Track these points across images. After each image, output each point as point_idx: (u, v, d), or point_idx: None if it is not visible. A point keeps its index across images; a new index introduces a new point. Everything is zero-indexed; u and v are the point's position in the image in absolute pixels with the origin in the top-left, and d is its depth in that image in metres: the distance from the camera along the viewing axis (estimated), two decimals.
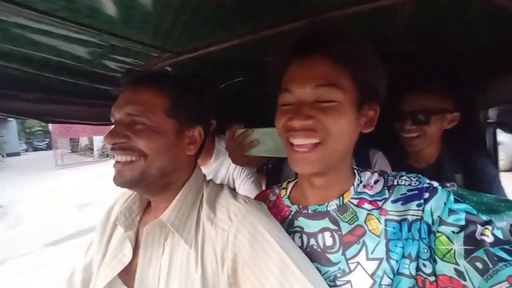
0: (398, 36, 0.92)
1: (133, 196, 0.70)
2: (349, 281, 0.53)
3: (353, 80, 0.53)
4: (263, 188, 1.21)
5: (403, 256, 0.51)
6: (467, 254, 0.44)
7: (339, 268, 0.54)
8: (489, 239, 0.44)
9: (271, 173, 1.27)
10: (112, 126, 0.60)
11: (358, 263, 0.53)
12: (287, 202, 0.67)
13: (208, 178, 0.71)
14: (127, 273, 0.61)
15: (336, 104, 0.53)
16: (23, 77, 0.75)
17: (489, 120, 1.10)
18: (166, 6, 0.59)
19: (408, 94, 1.03)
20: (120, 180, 0.58)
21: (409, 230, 0.51)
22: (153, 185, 0.60)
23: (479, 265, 0.42)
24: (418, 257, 0.51)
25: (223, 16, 0.67)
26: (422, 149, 1.06)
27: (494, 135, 1.12)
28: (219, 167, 1.23)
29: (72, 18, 0.59)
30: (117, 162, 0.58)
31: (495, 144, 1.13)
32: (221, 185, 0.69)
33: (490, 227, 0.45)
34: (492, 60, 0.86)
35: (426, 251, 0.50)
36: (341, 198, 0.59)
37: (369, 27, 0.83)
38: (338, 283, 0.53)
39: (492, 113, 1.06)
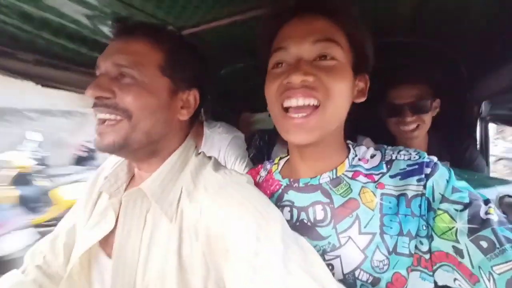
0: (397, 26, 0.94)
1: (121, 163, 0.65)
2: (338, 256, 0.51)
3: (349, 42, 0.53)
4: None
5: (402, 234, 0.48)
6: (471, 232, 0.42)
7: (329, 243, 0.52)
8: (494, 218, 0.43)
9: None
10: None
11: (350, 237, 0.51)
12: (277, 176, 0.65)
13: None
14: (108, 242, 0.57)
15: (337, 63, 0.51)
16: (21, 36, 0.74)
17: (481, 115, 1.12)
18: None
19: (398, 86, 1.04)
20: (102, 144, 0.51)
21: (408, 205, 0.49)
22: (139, 151, 0.55)
23: (484, 244, 0.41)
24: (417, 234, 0.48)
25: None
26: (416, 139, 1.07)
27: (486, 130, 1.15)
28: (209, 151, 1.23)
29: None
30: (99, 121, 0.52)
31: (487, 138, 1.16)
32: (209, 158, 0.65)
33: (493, 205, 0.44)
34: (488, 51, 0.88)
35: (424, 228, 0.48)
36: (334, 170, 0.57)
37: (374, 14, 0.84)
38: (326, 257, 0.51)
39: (485, 107, 1.09)
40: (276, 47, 0.55)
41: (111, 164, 0.70)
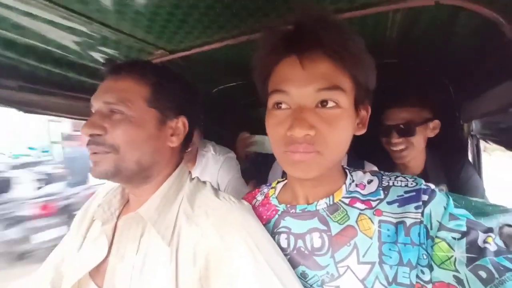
0: (386, 48, 0.96)
1: (114, 190, 0.66)
2: (337, 287, 0.49)
3: (353, 81, 0.50)
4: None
5: (402, 264, 0.47)
6: (469, 262, 0.42)
7: (327, 272, 0.50)
8: (492, 247, 0.42)
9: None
10: None
11: (348, 267, 0.49)
12: (274, 201, 0.64)
13: None
14: (99, 271, 0.57)
15: (340, 112, 0.49)
16: (5, 62, 0.72)
17: (472, 133, 1.14)
18: None
19: (390, 108, 1.08)
20: (96, 172, 0.55)
21: (407, 234, 0.48)
22: (132, 178, 0.58)
23: (483, 274, 0.40)
24: (417, 264, 0.47)
25: (219, 14, 0.66)
26: (410, 160, 1.09)
27: (478, 147, 1.16)
28: (203, 171, 1.23)
29: (62, 2, 0.56)
30: (93, 153, 0.56)
31: (479, 154, 1.17)
32: (205, 183, 0.66)
33: (493, 235, 0.44)
34: (475, 74, 0.90)
35: (425, 257, 0.47)
36: (331, 197, 0.56)
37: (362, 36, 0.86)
38: None
39: (475, 126, 1.10)
40: (275, 88, 0.51)
41: (104, 192, 0.70)
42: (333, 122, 0.48)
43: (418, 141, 1.04)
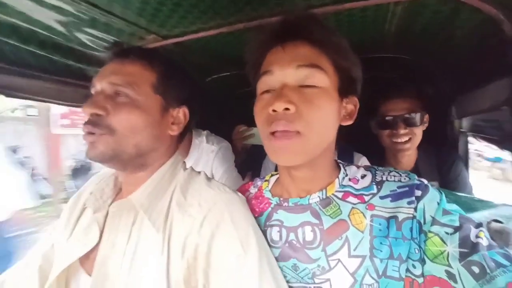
0: (385, 42, 0.96)
1: (106, 178, 0.66)
2: (328, 279, 0.50)
3: (334, 66, 0.53)
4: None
5: (392, 257, 0.48)
6: (462, 257, 0.43)
7: (319, 266, 0.51)
8: (484, 242, 0.43)
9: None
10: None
11: (339, 260, 0.50)
12: (267, 194, 0.64)
13: None
14: (89, 259, 0.56)
15: (320, 90, 0.51)
16: None
17: (462, 129, 1.16)
18: None
19: (390, 99, 1.06)
20: (93, 153, 0.54)
21: (398, 228, 0.49)
22: (128, 163, 0.58)
23: (475, 269, 0.41)
24: (408, 258, 0.48)
25: (215, 0, 0.64)
26: (408, 151, 1.09)
27: (466, 144, 1.19)
28: (197, 161, 1.21)
29: None
30: (88, 133, 0.54)
31: (467, 152, 1.20)
32: (199, 173, 0.66)
33: (484, 230, 0.45)
34: (471, 70, 0.91)
35: (417, 251, 0.48)
36: (324, 190, 0.57)
37: (361, 31, 0.85)
38: (316, 281, 0.51)
39: (465, 123, 1.12)
40: (262, 71, 0.56)
41: (96, 180, 0.69)
42: (314, 100, 0.51)
43: (420, 132, 1.05)
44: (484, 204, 0.68)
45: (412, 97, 1.05)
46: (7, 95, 0.73)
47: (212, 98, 1.53)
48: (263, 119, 0.54)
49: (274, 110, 0.51)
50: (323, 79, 0.52)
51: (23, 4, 0.60)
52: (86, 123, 0.55)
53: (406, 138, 1.04)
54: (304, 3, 0.66)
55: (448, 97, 1.14)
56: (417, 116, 1.03)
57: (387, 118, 1.05)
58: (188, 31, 0.81)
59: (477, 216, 0.64)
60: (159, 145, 0.61)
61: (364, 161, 1.09)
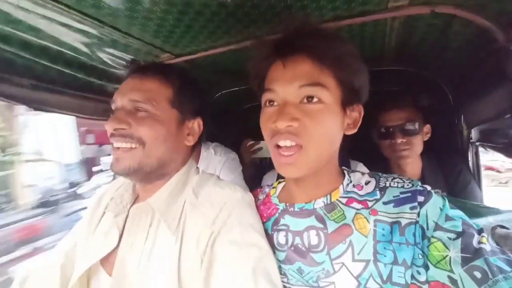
0: (386, 55, 0.99)
1: (126, 184, 0.71)
2: (332, 283, 0.51)
3: (337, 80, 0.53)
4: None
5: (397, 263, 0.48)
6: (465, 262, 0.43)
7: (323, 269, 0.52)
8: (487, 247, 0.43)
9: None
10: (104, 122, 0.61)
11: (343, 264, 0.51)
12: (275, 200, 0.66)
13: None
14: (109, 260, 0.60)
15: (323, 107, 0.52)
16: (19, 62, 0.75)
17: (471, 140, 1.14)
18: (170, 4, 0.61)
19: (389, 110, 1.09)
20: (118, 167, 0.58)
21: (402, 234, 0.49)
22: (151, 174, 0.61)
23: (477, 274, 0.41)
24: (412, 263, 0.48)
25: (224, 20, 0.69)
26: (407, 165, 1.10)
27: (477, 155, 1.16)
28: (205, 171, 1.23)
29: (76, 6, 0.60)
30: (116, 148, 0.58)
31: (478, 163, 1.17)
32: (211, 175, 0.70)
33: (486, 235, 0.45)
34: (471, 79, 0.92)
35: (420, 257, 0.48)
36: (328, 196, 0.58)
37: (361, 45, 0.88)
38: (321, 284, 0.51)
39: (475, 133, 1.11)
40: (265, 88, 0.57)
41: (115, 187, 0.74)
42: (316, 115, 0.52)
43: (419, 141, 1.07)
44: (489, 210, 0.67)
45: (409, 107, 1.07)
46: (36, 109, 0.80)
47: (221, 112, 1.57)
48: (267, 132, 0.57)
49: (276, 127, 0.53)
50: (326, 95, 0.52)
51: (54, 28, 0.67)
52: (113, 136, 0.58)
53: (405, 147, 1.06)
54: (304, 20, 0.70)
55: (454, 107, 1.14)
56: (415, 126, 1.05)
57: (386, 128, 1.08)
58: (199, 49, 0.88)
59: (482, 222, 0.63)
60: (177, 156, 0.65)
61: (361, 167, 1.09)
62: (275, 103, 0.56)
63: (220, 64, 1.03)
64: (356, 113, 0.58)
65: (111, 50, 0.83)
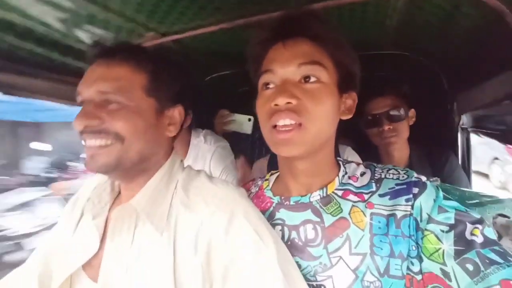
0: (385, 40, 0.95)
1: (103, 183, 0.64)
2: (330, 276, 0.50)
3: (334, 62, 0.55)
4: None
5: (393, 256, 0.49)
6: (457, 254, 0.43)
7: (321, 263, 0.52)
8: (478, 239, 0.43)
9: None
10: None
11: (341, 257, 0.51)
12: (269, 193, 0.64)
13: None
14: (91, 265, 0.55)
15: (321, 86, 0.53)
16: None
17: (462, 126, 1.15)
18: None
19: (374, 99, 1.12)
20: (94, 165, 0.52)
21: (398, 226, 0.49)
22: (131, 170, 0.55)
23: (470, 267, 0.41)
24: (408, 255, 0.49)
25: None
26: (394, 150, 1.13)
27: (468, 141, 1.18)
28: (195, 161, 1.20)
29: None
30: (90, 146, 0.52)
31: (468, 149, 1.19)
32: (199, 171, 0.64)
33: (480, 226, 0.45)
34: (472, 65, 0.91)
35: (414, 248, 0.48)
36: (324, 188, 0.57)
37: (362, 26, 0.84)
38: (319, 278, 0.51)
39: (466, 118, 1.12)
40: (263, 69, 0.56)
41: (91, 185, 0.67)
42: (315, 94, 0.52)
43: (405, 127, 1.10)
44: (489, 199, 0.68)
45: (394, 94, 1.10)
46: (5, 93, 0.72)
47: (212, 97, 1.51)
48: (265, 113, 0.55)
49: (276, 105, 0.52)
50: (324, 75, 0.53)
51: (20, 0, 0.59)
52: (84, 133, 0.51)
53: (392, 134, 1.09)
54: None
55: (445, 93, 1.14)
56: (400, 111, 1.08)
57: (371, 116, 1.11)
58: (187, 27, 0.81)
59: (483, 211, 0.63)
60: (159, 148, 0.59)
61: (349, 151, 1.10)
62: (272, 85, 0.56)
63: (211, 45, 0.97)
64: (351, 101, 0.59)
65: (88, 27, 0.74)
